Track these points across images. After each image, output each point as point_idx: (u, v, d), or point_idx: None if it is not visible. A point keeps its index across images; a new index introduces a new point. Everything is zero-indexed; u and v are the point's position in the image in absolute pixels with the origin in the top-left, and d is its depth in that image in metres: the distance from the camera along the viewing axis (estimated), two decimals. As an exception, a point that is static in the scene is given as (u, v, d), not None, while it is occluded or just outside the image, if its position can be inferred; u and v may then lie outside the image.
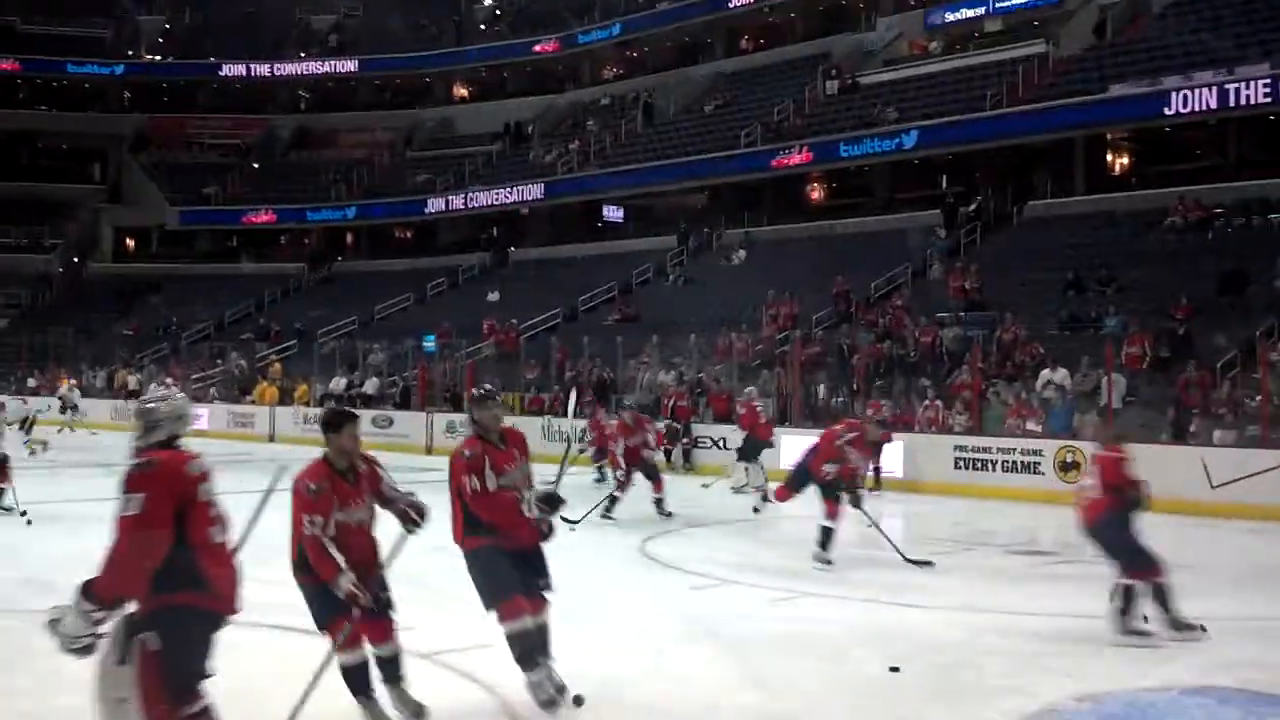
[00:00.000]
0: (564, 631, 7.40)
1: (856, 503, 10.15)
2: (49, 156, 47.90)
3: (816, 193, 34.09)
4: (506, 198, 38.19)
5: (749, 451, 15.89)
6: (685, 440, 19.54)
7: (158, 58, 49.27)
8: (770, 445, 16.00)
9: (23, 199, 45.29)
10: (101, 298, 43.22)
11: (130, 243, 47.90)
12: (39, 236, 45.86)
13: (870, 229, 29.61)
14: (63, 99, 48.33)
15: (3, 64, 47.00)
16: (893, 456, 16.94)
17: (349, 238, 45.37)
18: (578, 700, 5.62)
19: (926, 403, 18.26)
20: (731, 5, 38.23)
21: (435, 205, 40.13)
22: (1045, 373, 18.02)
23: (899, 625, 7.81)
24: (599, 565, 10.15)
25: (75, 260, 46.24)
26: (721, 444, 19.19)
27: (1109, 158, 29.13)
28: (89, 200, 47.13)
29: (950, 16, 33.21)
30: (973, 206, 27.84)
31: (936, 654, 6.98)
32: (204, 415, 29.61)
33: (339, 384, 27.69)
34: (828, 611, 8.25)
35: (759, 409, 16.41)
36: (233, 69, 47.56)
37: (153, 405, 4.28)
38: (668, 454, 19.43)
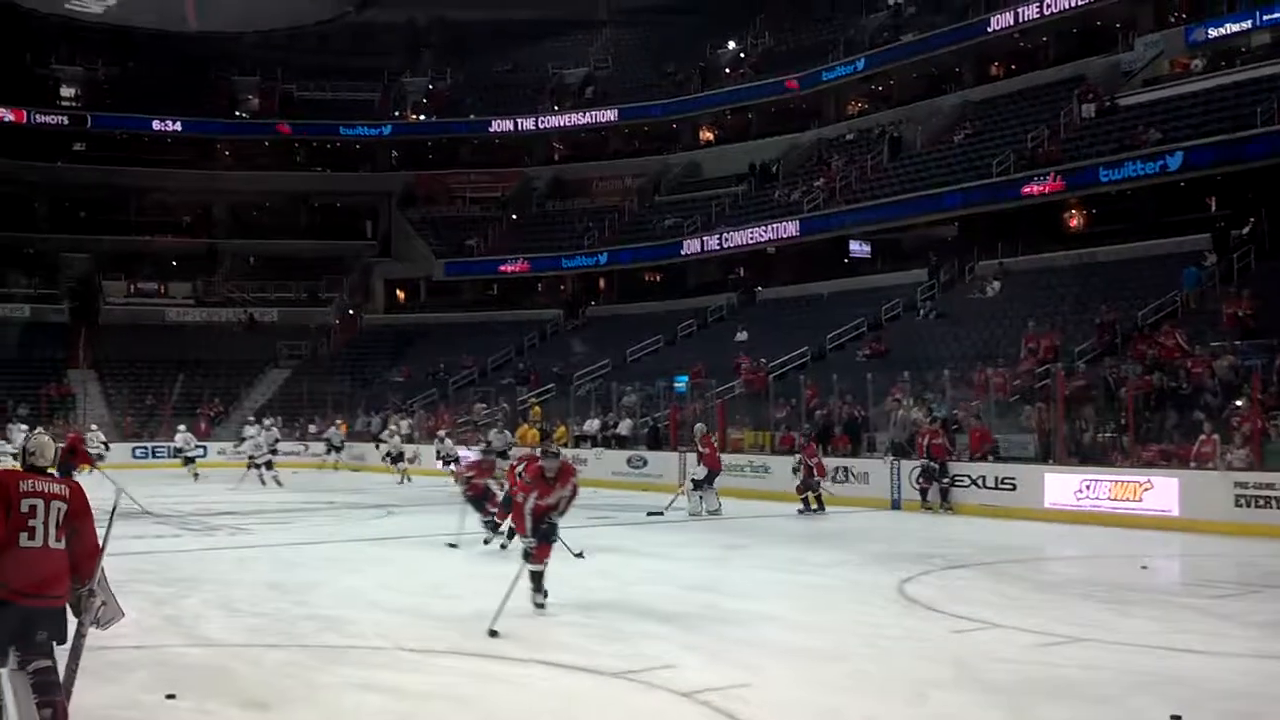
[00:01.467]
0: (823, 671, 7.39)
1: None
2: (324, 214, 51.19)
3: (1075, 220, 32.78)
4: (756, 237, 38.36)
5: (707, 480, 18.89)
6: (944, 480, 19.07)
7: (422, 117, 52.07)
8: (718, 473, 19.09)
9: (302, 256, 48.71)
10: (374, 347, 45.79)
11: (400, 294, 50.70)
12: (317, 290, 49.14)
13: (1134, 255, 28.23)
14: (335, 160, 51.68)
15: (282, 128, 50.76)
16: (1167, 495, 16.13)
17: (601, 283, 46.58)
18: None
19: (1203, 437, 17.24)
20: (989, 30, 37.23)
21: (688, 247, 40.53)
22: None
23: (1179, 671, 7.39)
24: (855, 606, 10.05)
25: (350, 312, 49.27)
26: (980, 482, 18.70)
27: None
28: (362, 255, 50.19)
29: (1214, 32, 31.48)
30: (1245, 229, 26.20)
31: (1224, 701, 6.58)
32: (469, 457, 30.89)
33: (593, 425, 28.41)
34: (1100, 656, 7.89)
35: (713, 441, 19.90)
36: (500, 124, 49.74)
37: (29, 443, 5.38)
38: (923, 493, 19.07)
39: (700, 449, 19.19)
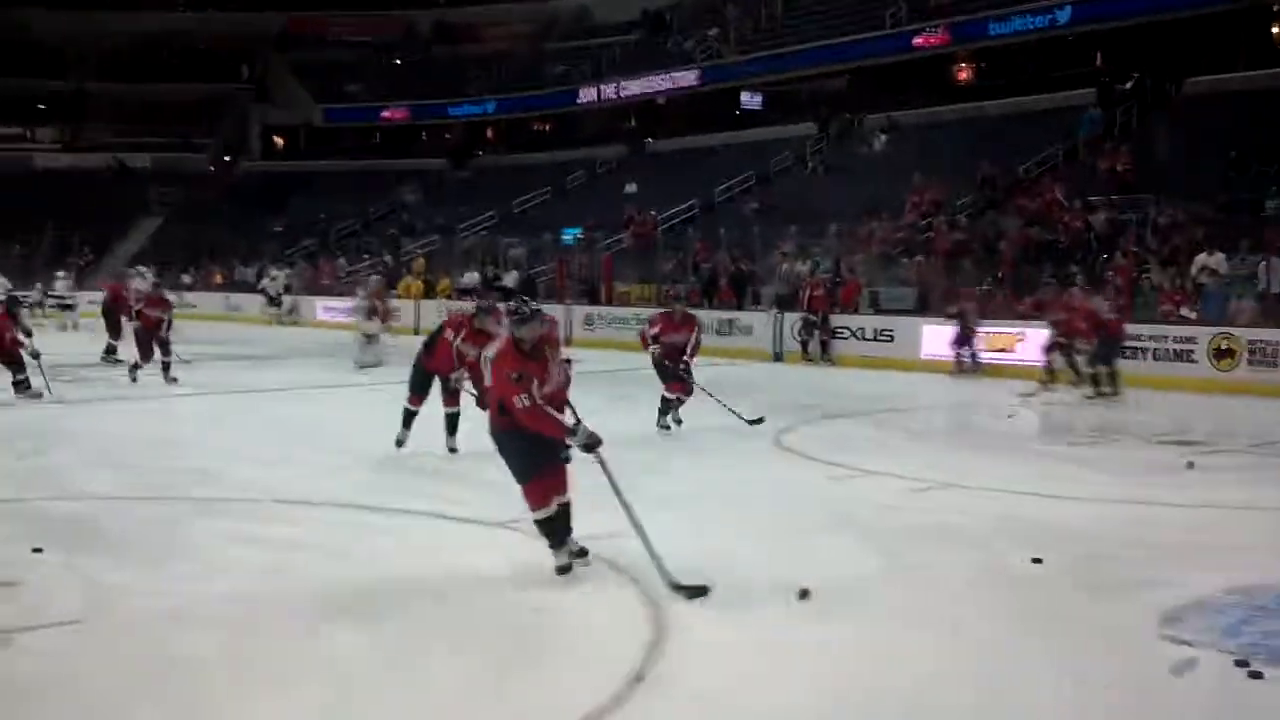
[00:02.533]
0: (701, 518, 7.53)
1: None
2: (199, 57, 48.57)
3: (964, 73, 32.89)
4: (654, 86, 37.78)
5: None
6: (825, 332, 19.35)
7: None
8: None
9: (175, 100, 46.58)
10: (252, 195, 44.40)
11: (279, 141, 49.02)
12: (191, 136, 47.22)
13: (1020, 110, 28.50)
14: (205, -1, 49.20)
15: (148, -34, 48.03)
16: (1039, 347, 16.57)
17: (489, 132, 45.61)
18: (804, 593, 5.68)
19: (1074, 289, 17.70)
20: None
21: (583, 96, 39.84)
22: (1201, 257, 17.33)
23: (1042, 517, 7.67)
24: (732, 455, 10.22)
25: (226, 159, 47.56)
26: (860, 334, 19.04)
27: (1275, 30, 27.39)
28: (238, 100, 48.24)
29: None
30: (1128, 84, 26.57)
31: (1081, 546, 6.86)
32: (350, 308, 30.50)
33: (473, 278, 28.02)
34: (968, 503, 8.15)
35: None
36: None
37: None
38: (804, 345, 19.36)
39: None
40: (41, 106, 46.47)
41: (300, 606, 5.60)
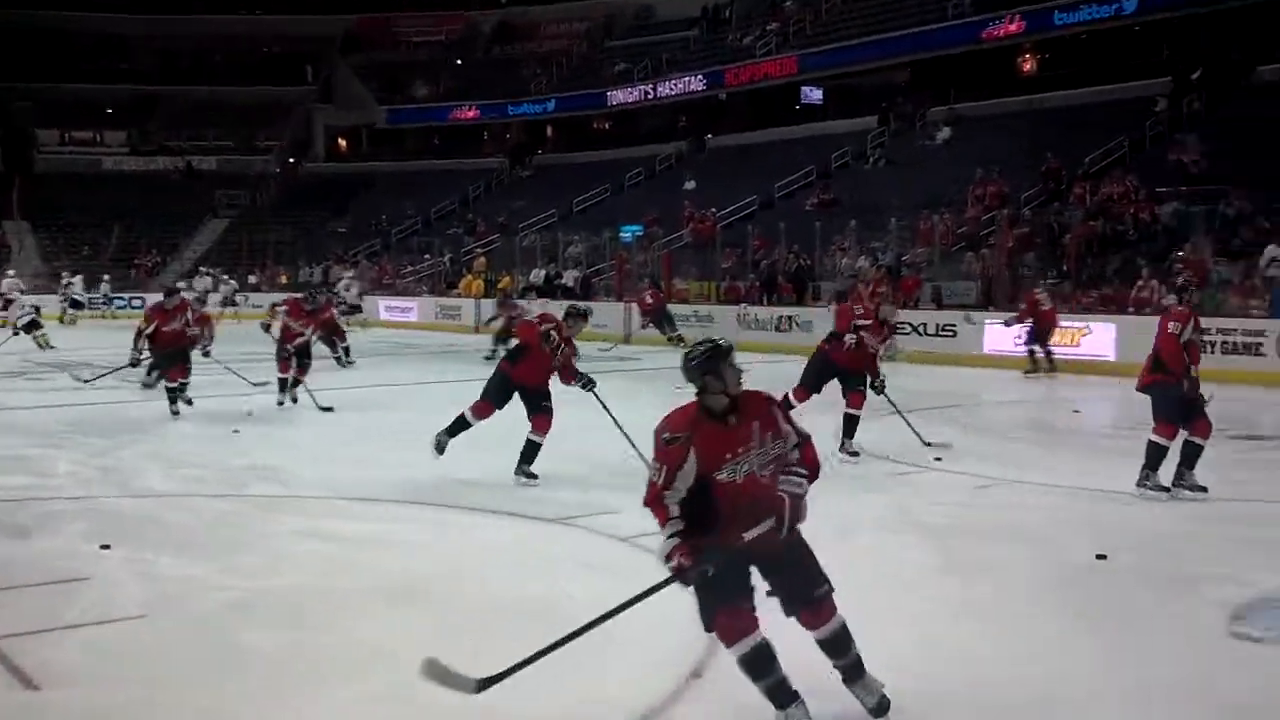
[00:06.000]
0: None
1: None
2: (264, 60, 49.34)
3: (1028, 64, 32.46)
4: (709, 83, 37.77)
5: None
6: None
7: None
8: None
9: (240, 103, 47.28)
10: (315, 196, 44.95)
11: (342, 142, 49.56)
12: (255, 138, 47.90)
13: (1085, 101, 28.07)
14: (274, 2, 49.84)
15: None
16: (1104, 340, 16.34)
17: (548, 130, 45.80)
18: None
19: (1140, 283, 17.44)
20: None
21: (630, 96, 40.00)
22: (1270, 249, 16.97)
23: (1106, 513, 7.57)
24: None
25: (290, 161, 48.17)
26: (922, 329, 18.85)
27: (1353, 14, 26.75)
28: (303, 102, 48.86)
29: None
30: (1196, 74, 26.06)
31: (1145, 542, 6.77)
32: (413, 307, 30.83)
33: (539, 275, 28.24)
34: (1031, 498, 8.07)
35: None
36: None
37: None
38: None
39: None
40: (110, 110, 47.37)
41: (364, 600, 5.67)
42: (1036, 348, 16.48)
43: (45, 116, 46.04)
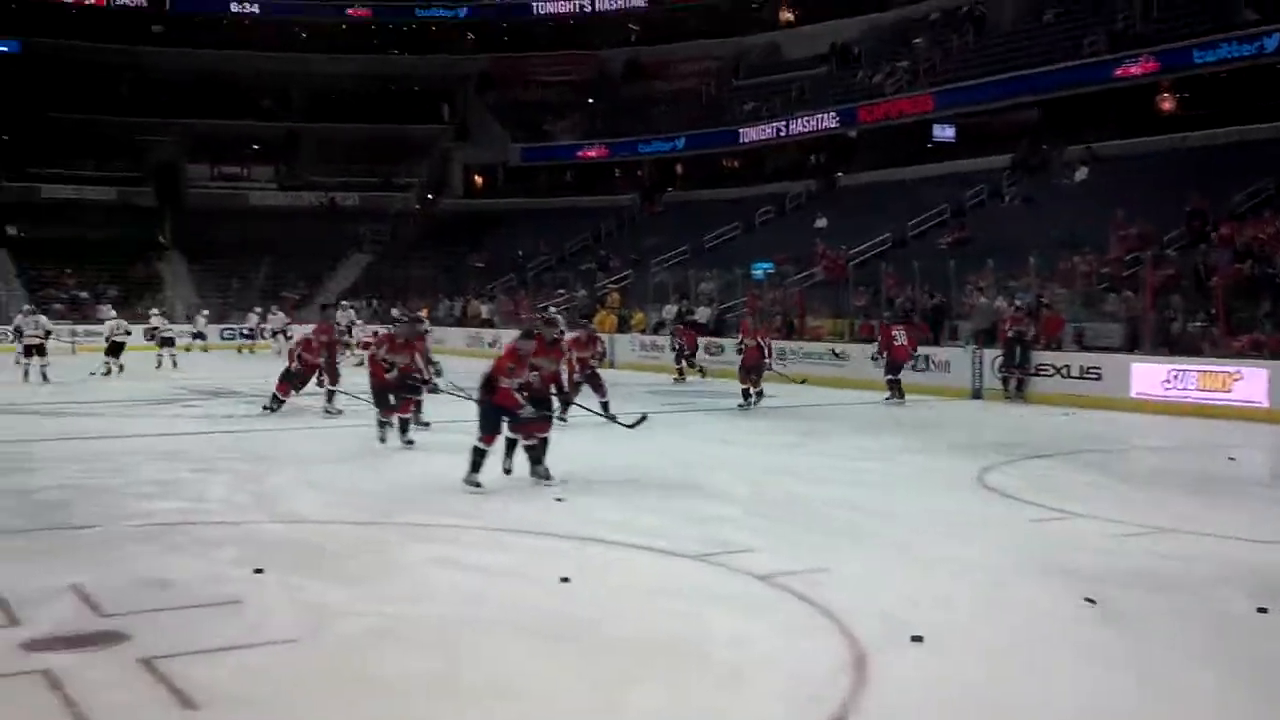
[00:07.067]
0: (899, 557, 7.38)
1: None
2: (402, 99, 50.76)
3: (1167, 103, 31.62)
4: (838, 120, 37.66)
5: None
6: (1026, 368, 18.74)
7: (498, -1, 51.46)
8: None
9: (380, 140, 48.71)
10: (453, 232, 45.88)
11: (478, 180, 50.64)
12: (394, 175, 49.23)
13: (1228, 140, 27.19)
14: (412, 43, 51.35)
15: (357, 10, 50.52)
16: (1257, 386, 15.76)
17: (679, 168, 46.09)
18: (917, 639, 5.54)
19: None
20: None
21: (762, 133, 40.08)
22: None
23: (1264, 564, 7.24)
24: (933, 494, 9.99)
25: (429, 197, 49.34)
26: (1065, 371, 18.38)
27: None
28: (439, 140, 50.10)
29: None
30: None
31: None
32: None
33: (671, 311, 28.33)
34: (1183, 548, 7.76)
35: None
36: (576, 3, 49.12)
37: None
38: (1005, 381, 18.81)
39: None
40: (256, 146, 49.23)
41: (505, 632, 5.71)
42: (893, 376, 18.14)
43: (195, 151, 48.06)
